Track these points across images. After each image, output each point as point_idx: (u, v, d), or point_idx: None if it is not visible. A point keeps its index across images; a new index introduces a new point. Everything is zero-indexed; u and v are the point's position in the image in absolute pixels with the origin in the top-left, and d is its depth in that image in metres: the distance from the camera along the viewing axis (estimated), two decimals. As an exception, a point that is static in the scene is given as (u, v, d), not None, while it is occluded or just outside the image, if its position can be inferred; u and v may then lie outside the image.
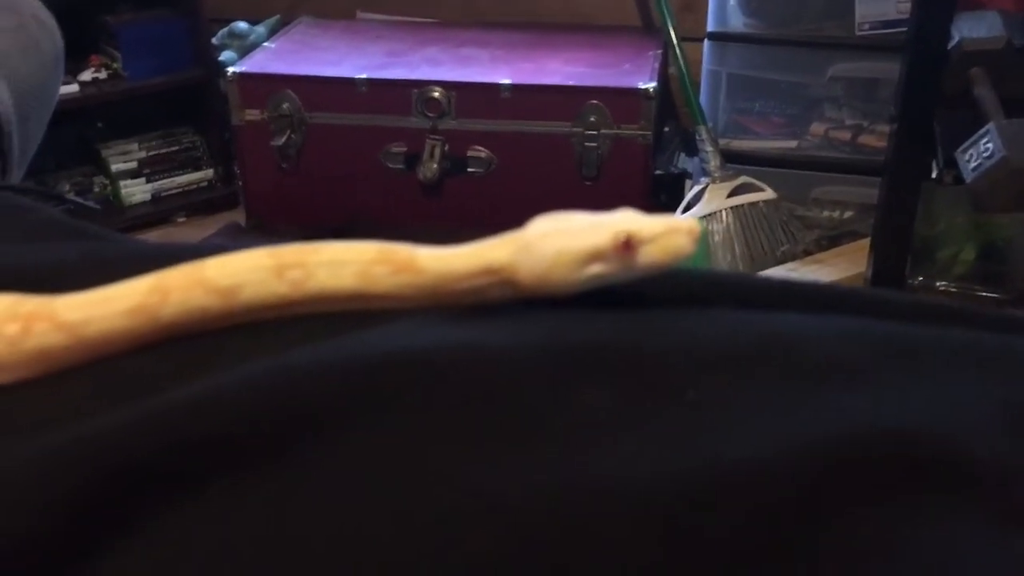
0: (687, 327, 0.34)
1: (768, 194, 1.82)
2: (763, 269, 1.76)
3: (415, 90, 1.93)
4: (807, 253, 1.83)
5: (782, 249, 1.80)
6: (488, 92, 1.92)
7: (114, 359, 0.33)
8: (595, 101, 1.88)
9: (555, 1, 2.26)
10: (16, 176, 0.77)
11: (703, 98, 1.96)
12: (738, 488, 0.26)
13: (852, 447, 0.28)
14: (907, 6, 1.57)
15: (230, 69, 2.02)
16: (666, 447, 0.28)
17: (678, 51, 1.92)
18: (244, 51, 2.22)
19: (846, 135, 1.95)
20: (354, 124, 1.98)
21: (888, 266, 1.57)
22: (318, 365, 0.30)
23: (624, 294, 0.34)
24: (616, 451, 0.28)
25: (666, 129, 2.09)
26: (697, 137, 1.88)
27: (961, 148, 1.17)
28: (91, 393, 0.33)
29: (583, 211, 0.35)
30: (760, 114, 2.03)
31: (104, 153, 2.28)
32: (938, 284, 1.64)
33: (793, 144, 1.98)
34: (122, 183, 2.28)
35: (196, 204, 2.31)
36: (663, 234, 0.33)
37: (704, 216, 1.78)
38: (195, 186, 2.34)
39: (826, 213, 1.95)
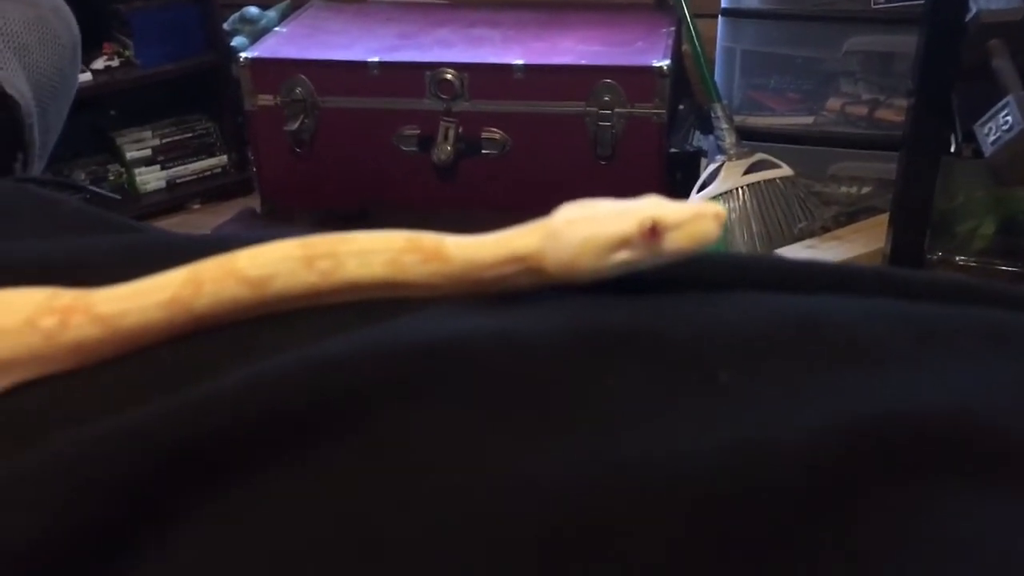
0: (713, 312, 0.34)
1: (785, 171, 1.81)
2: (780, 246, 1.75)
3: (428, 72, 1.93)
4: (825, 230, 1.82)
5: (800, 226, 1.79)
6: (501, 73, 1.91)
7: (150, 350, 0.34)
8: (608, 80, 1.87)
9: (567, -20, 2.25)
10: (38, 168, 0.77)
11: (718, 75, 1.95)
12: (768, 469, 0.27)
13: (878, 429, 0.28)
14: (924, -22, 1.55)
15: (242, 55, 2.01)
16: (698, 429, 0.28)
17: (692, 28, 1.90)
18: (256, 36, 2.21)
19: (863, 110, 1.94)
20: (367, 108, 1.98)
21: (907, 241, 1.56)
22: (352, 355, 0.30)
23: (650, 279, 0.34)
24: (648, 433, 0.28)
25: (681, 107, 2.07)
26: (712, 115, 1.87)
27: (980, 121, 1.16)
28: (129, 385, 0.33)
29: (608, 198, 0.35)
30: (775, 90, 2.01)
31: (118, 141, 2.29)
32: (957, 259, 1.62)
33: (809, 120, 1.96)
34: (136, 171, 2.29)
35: (211, 190, 2.31)
36: (689, 220, 0.33)
37: (720, 194, 1.77)
38: (209, 172, 2.34)
39: (844, 189, 1.94)
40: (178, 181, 2.32)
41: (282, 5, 2.37)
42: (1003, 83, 1.17)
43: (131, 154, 2.29)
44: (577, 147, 1.92)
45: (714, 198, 1.77)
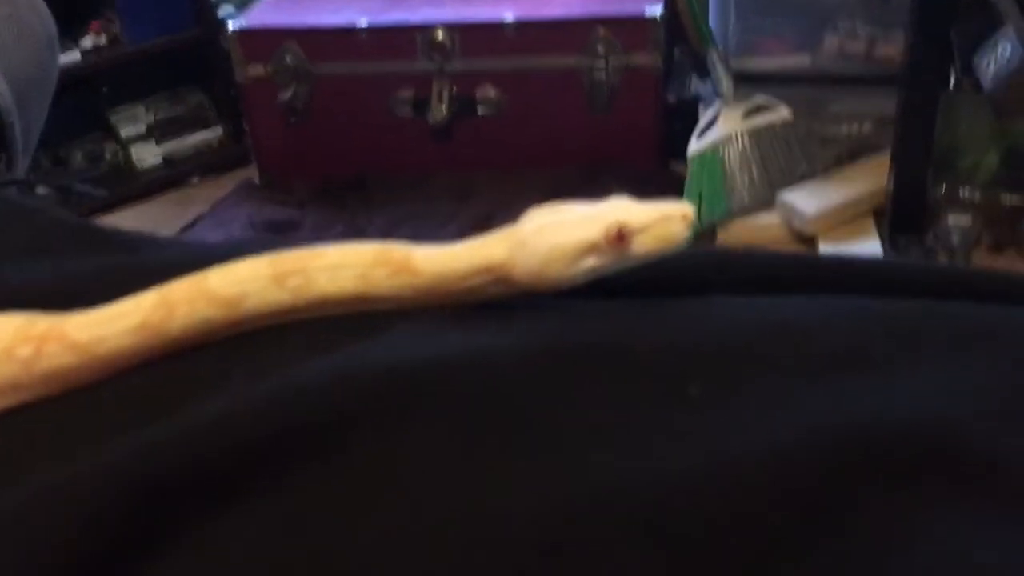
0: (685, 321, 0.34)
1: (784, 113, 1.79)
2: (782, 190, 1.74)
3: (419, 33, 1.91)
4: (827, 170, 1.80)
5: (801, 169, 1.78)
6: (492, 30, 1.89)
7: (126, 375, 0.34)
8: (602, 31, 1.85)
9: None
10: (22, 166, 0.76)
11: (712, 18, 1.92)
12: (739, 487, 0.27)
13: (856, 441, 0.28)
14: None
15: (230, 25, 1.99)
16: (666, 447, 0.28)
17: (683, -27, 1.87)
18: (243, 5, 2.19)
19: (861, 47, 1.91)
20: (359, 73, 1.96)
21: (909, 178, 1.55)
22: (323, 383, 0.31)
23: (624, 282, 0.34)
24: (616, 455, 0.28)
25: (676, 53, 2.05)
26: (708, 61, 1.84)
27: (978, 53, 1.15)
28: (109, 415, 0.33)
29: (576, 202, 0.35)
30: (771, 32, 1.98)
31: (112, 119, 2.28)
32: (961, 193, 1.61)
33: (807, 60, 1.94)
34: (133, 148, 2.28)
35: (208, 164, 2.30)
36: (656, 222, 0.33)
37: (719, 141, 1.76)
38: (206, 146, 2.33)
39: (844, 129, 1.92)
40: (175, 156, 2.31)
41: (268, -28, 2.34)
42: (1001, 13, 1.16)
43: (126, 131, 2.27)
44: (573, 102, 1.90)
45: (713, 145, 1.75)
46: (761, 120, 1.78)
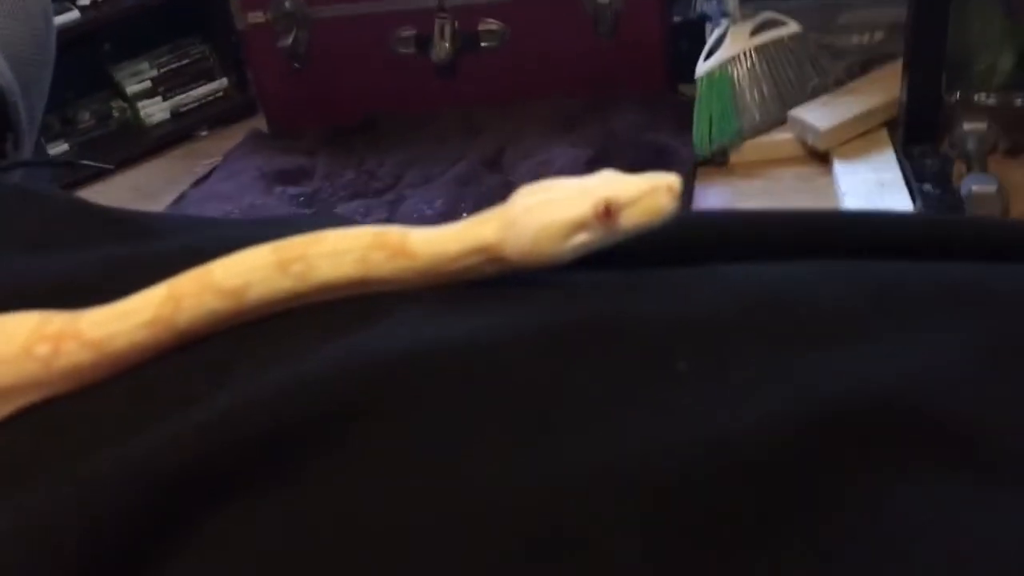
0: (678, 293, 0.34)
1: (792, 28, 1.76)
2: (794, 106, 1.71)
3: (416, -31, 1.88)
4: (838, 83, 1.77)
5: (812, 83, 1.75)
6: (491, -40, 1.86)
7: (139, 370, 0.35)
8: (602, -47, 1.81)
9: None
10: (28, 144, 0.76)
11: (714, -67, 1.88)
12: (726, 462, 0.27)
13: (839, 412, 0.28)
14: None
15: (226, -28, 1.97)
16: (657, 424, 0.29)
17: None
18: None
19: (868, -47, 1.86)
20: (360, 13, 1.94)
21: (923, 85, 1.52)
22: (326, 375, 0.32)
23: (617, 252, 0.35)
24: (610, 433, 0.29)
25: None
26: (712, -23, 1.81)
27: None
28: (125, 411, 0.34)
29: (563, 177, 0.35)
30: (776, -57, 1.93)
31: (116, 76, 2.27)
32: (976, 97, 1.58)
33: (814, -31, 1.89)
34: (140, 104, 2.27)
35: (216, 116, 2.30)
36: (643, 195, 0.34)
37: (727, 60, 1.73)
38: (212, 97, 2.32)
39: (855, 39, 1.88)
40: (182, 110, 2.31)
41: (261, -85, 2.30)
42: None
43: (131, 88, 2.27)
44: (578, 28, 1.87)
45: (721, 64, 1.72)
46: (769, 36, 1.74)
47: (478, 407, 0.30)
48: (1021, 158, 1.50)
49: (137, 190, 2.02)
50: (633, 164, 1.60)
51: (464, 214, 1.62)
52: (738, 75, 1.73)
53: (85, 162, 1.65)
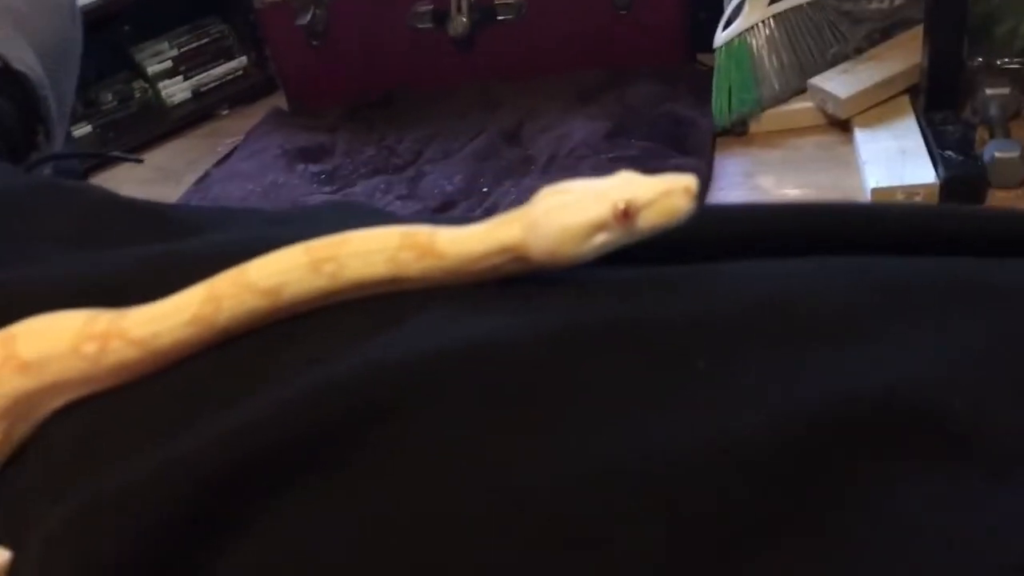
0: (694, 291, 0.36)
1: (811, -6, 1.74)
2: (814, 74, 1.70)
3: (432, -57, 1.87)
4: (859, 51, 1.75)
5: (831, 51, 1.73)
6: (507, -68, 1.85)
7: (180, 369, 0.37)
8: (619, -76, 1.80)
9: None
10: (60, 135, 0.77)
11: (732, -99, 1.86)
12: (739, 460, 0.28)
13: (842, 412, 0.29)
14: None
15: (243, -49, 1.97)
16: (675, 422, 0.30)
17: None
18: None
19: (888, -83, 1.84)
20: (376, -11, 1.94)
21: (944, 51, 1.51)
22: (354, 376, 0.33)
23: (635, 251, 0.36)
24: (628, 431, 0.30)
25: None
26: (729, -55, 1.79)
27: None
28: (168, 410, 0.36)
29: (582, 179, 0.37)
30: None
31: (137, 57, 2.28)
32: (998, 62, 1.57)
33: (832, -65, 1.87)
34: (161, 84, 2.29)
35: (237, 94, 2.31)
36: (660, 196, 0.35)
37: (746, 29, 1.72)
38: (232, 76, 2.33)
39: (875, 4, 1.86)
40: (203, 89, 2.32)
41: None
42: None
43: (152, 68, 2.28)
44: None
45: (740, 33, 1.71)
46: (788, 3, 1.73)
47: (503, 405, 0.32)
48: (1043, 123, 1.49)
49: (160, 170, 2.04)
50: (652, 136, 1.60)
51: (484, 189, 1.63)
52: (757, 44, 1.72)
53: (115, 154, 1.66)
